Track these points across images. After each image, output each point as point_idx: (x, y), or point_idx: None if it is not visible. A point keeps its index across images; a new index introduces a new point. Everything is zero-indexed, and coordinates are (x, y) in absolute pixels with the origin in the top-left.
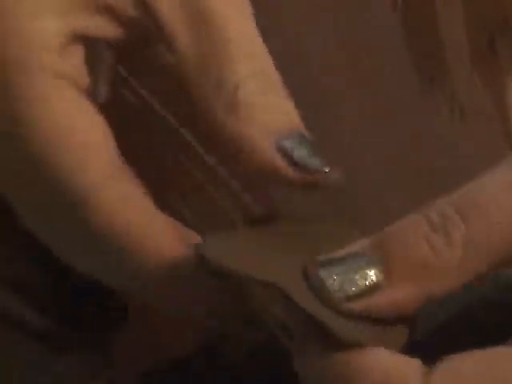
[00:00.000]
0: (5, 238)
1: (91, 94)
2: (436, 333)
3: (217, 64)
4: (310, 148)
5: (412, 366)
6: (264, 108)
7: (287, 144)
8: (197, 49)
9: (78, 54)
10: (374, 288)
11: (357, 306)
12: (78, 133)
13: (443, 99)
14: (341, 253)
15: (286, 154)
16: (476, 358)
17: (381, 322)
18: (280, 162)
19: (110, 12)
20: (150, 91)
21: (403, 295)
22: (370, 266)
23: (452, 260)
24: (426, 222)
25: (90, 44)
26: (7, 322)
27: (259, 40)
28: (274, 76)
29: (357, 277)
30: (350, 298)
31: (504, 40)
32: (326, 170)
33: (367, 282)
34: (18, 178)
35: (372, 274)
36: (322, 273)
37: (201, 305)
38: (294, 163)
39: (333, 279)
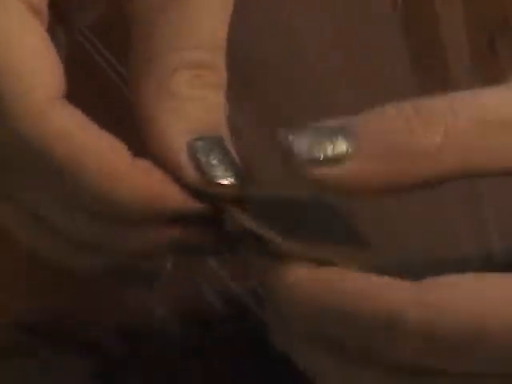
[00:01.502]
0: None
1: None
2: None
3: (165, 40)
4: (221, 156)
5: (399, 280)
6: (190, 103)
7: (199, 145)
8: (152, 15)
9: None
10: (341, 158)
11: (319, 171)
12: (30, 54)
13: None
14: (315, 124)
15: (194, 156)
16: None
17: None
18: (185, 163)
19: None
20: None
21: (370, 170)
22: (342, 136)
23: (429, 146)
24: (412, 107)
25: None
26: (7, 321)
27: (221, 28)
28: (218, 70)
29: (326, 144)
30: (314, 163)
31: (504, 40)
32: (223, 183)
33: (336, 150)
34: None
35: (342, 144)
36: (292, 136)
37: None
38: (199, 167)
39: (301, 143)
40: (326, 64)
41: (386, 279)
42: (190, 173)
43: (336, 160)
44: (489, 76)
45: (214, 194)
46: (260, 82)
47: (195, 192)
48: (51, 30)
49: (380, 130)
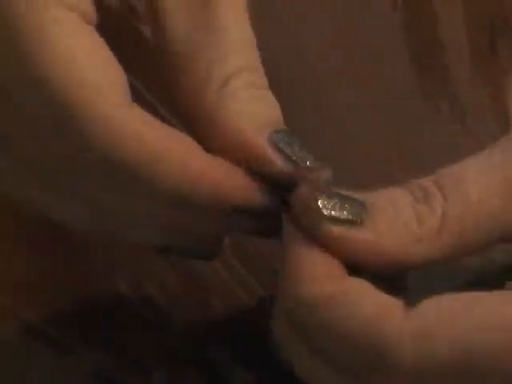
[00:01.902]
0: (6, 237)
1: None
2: None
3: (209, 53)
4: (299, 143)
5: (394, 300)
6: (254, 102)
7: (277, 138)
8: (190, 35)
9: None
10: (358, 223)
11: (336, 229)
12: (82, 53)
13: (443, 99)
14: (338, 191)
15: (277, 148)
16: (458, 297)
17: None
18: (273, 156)
19: None
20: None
21: (381, 241)
22: (362, 207)
23: (432, 228)
24: (409, 192)
25: None
26: (7, 321)
27: (251, 32)
28: (261, 71)
29: (347, 207)
30: (333, 220)
31: (504, 40)
32: (317, 166)
33: (355, 216)
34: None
35: (361, 213)
36: (320, 194)
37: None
38: (285, 157)
39: (326, 199)
40: (326, 64)
41: (389, 304)
42: (282, 165)
43: (353, 223)
44: (489, 76)
45: (307, 180)
46: None
47: (286, 184)
48: None
49: (394, 210)
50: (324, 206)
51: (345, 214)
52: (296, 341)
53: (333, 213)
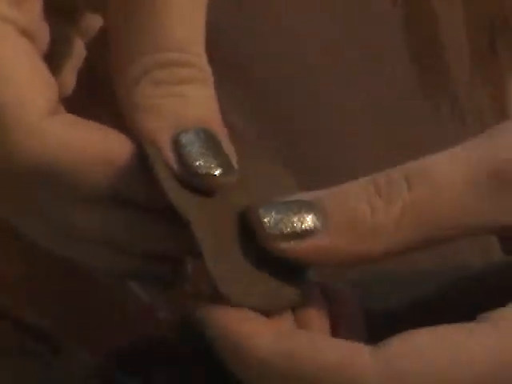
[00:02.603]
0: (5, 238)
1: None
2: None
3: (137, 45)
4: (207, 147)
5: (357, 344)
6: (167, 99)
7: (183, 139)
8: (125, 14)
9: (34, 7)
10: (309, 233)
11: (288, 245)
12: (25, 71)
13: (443, 99)
14: (283, 198)
15: (177, 150)
16: (423, 332)
17: (279, 278)
18: (168, 157)
19: None
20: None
21: (336, 244)
22: (309, 211)
23: (388, 220)
24: (373, 184)
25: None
26: (7, 321)
27: (195, 32)
28: (194, 66)
29: (294, 219)
30: (283, 237)
31: (504, 40)
32: (217, 173)
33: (303, 225)
34: None
35: (309, 219)
36: (261, 210)
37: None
38: (182, 160)
39: (270, 217)
40: (325, 64)
41: (349, 349)
42: (173, 167)
43: (303, 234)
44: (489, 76)
45: (203, 186)
46: (260, 82)
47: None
48: (64, 36)
49: (345, 209)
50: (269, 226)
51: (290, 227)
52: None
53: (277, 229)
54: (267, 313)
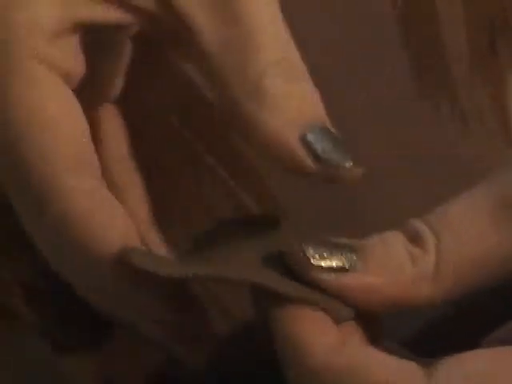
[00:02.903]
0: (6, 238)
1: (95, 86)
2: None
3: (241, 51)
4: (333, 142)
5: (411, 366)
6: (289, 97)
7: (311, 136)
8: (220, 36)
9: (73, 43)
10: (349, 269)
11: (330, 278)
12: (50, 119)
13: (443, 99)
14: (327, 240)
15: (309, 147)
16: (481, 356)
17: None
18: (303, 155)
19: (119, 1)
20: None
21: (376, 284)
22: (351, 252)
23: (427, 269)
24: (401, 232)
25: (104, 35)
26: (7, 321)
27: (284, 26)
28: (299, 64)
29: (338, 255)
30: (326, 270)
31: (504, 40)
32: (348, 166)
33: (345, 262)
34: None
35: (352, 258)
36: (306, 247)
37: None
38: (316, 157)
39: (313, 250)
40: (325, 64)
41: (406, 372)
42: (310, 164)
43: (346, 270)
44: (489, 76)
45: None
46: None
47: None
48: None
49: (386, 252)
50: (312, 257)
51: (334, 262)
52: None
53: (322, 262)
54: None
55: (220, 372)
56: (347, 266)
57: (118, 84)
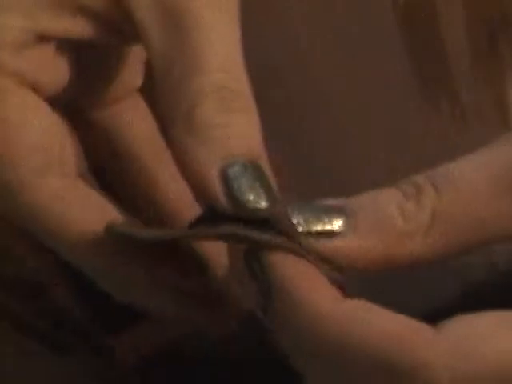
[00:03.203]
0: (6, 238)
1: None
2: None
3: (182, 70)
4: (255, 179)
5: (418, 322)
6: (217, 128)
7: (231, 172)
8: (165, 46)
9: (42, 54)
10: (338, 234)
11: (317, 244)
12: (12, 130)
13: (443, 99)
14: (313, 202)
15: (226, 183)
16: (490, 316)
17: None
18: (217, 191)
19: (82, 12)
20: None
21: (365, 246)
22: (339, 215)
23: (419, 225)
24: (400, 190)
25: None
26: (7, 321)
27: (238, 49)
28: (242, 94)
29: (325, 219)
30: (311, 235)
31: (504, 40)
32: (264, 207)
33: (333, 226)
34: None
35: (339, 221)
36: (292, 213)
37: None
38: (230, 194)
39: (300, 216)
40: (325, 64)
41: (413, 324)
42: (222, 201)
43: (332, 235)
44: (489, 76)
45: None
46: (259, 83)
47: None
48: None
49: (375, 212)
50: (298, 223)
51: (321, 227)
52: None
53: (308, 228)
54: None
55: (232, 359)
56: (335, 230)
57: (139, 72)
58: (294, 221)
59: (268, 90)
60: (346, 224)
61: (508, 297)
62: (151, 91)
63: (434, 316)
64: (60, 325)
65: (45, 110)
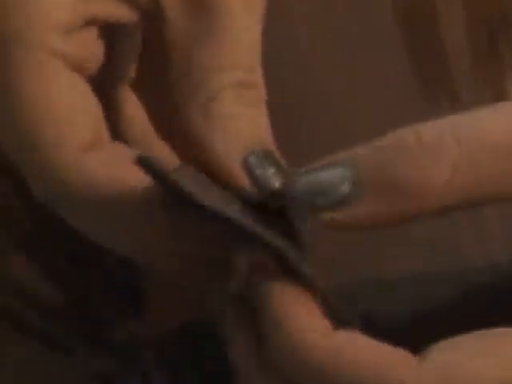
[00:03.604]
0: (6, 238)
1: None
2: (425, 323)
3: (204, 62)
4: (272, 166)
5: (403, 351)
6: (234, 121)
7: (252, 160)
8: (188, 40)
9: (87, 37)
10: (344, 200)
11: (325, 217)
12: (64, 113)
13: (443, 99)
14: (316, 165)
15: (249, 171)
16: (476, 337)
17: None
18: (242, 180)
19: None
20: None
21: (375, 211)
22: (343, 178)
23: (438, 181)
24: (416, 138)
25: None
26: (7, 322)
27: (256, 40)
28: (258, 86)
29: (329, 188)
30: (319, 210)
31: (504, 40)
32: (282, 192)
33: (338, 195)
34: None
35: (345, 187)
36: (292, 182)
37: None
38: (254, 181)
39: (304, 190)
40: (325, 64)
41: (398, 354)
42: (249, 188)
43: (339, 204)
44: (489, 76)
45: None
46: None
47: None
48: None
49: (382, 170)
50: (302, 196)
51: (327, 197)
52: None
53: (313, 202)
54: None
55: None
56: (340, 198)
57: (132, 66)
58: (300, 197)
59: (268, 90)
60: (352, 188)
61: (509, 299)
62: (144, 88)
63: (434, 319)
64: (61, 325)
65: (90, 92)
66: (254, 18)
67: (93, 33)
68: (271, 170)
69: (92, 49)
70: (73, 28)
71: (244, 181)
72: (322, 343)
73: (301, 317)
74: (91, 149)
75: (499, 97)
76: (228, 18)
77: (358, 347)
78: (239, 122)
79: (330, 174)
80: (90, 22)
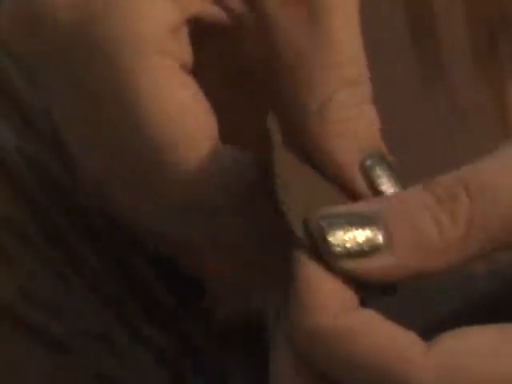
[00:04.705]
0: (5, 239)
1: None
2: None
3: (314, 62)
4: (387, 168)
5: (412, 335)
6: (351, 123)
7: (369, 163)
8: (297, 46)
9: (186, 36)
10: (373, 250)
11: (353, 265)
12: (178, 105)
13: (443, 99)
14: (344, 208)
15: (366, 174)
16: (485, 331)
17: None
18: (359, 183)
19: (221, 2)
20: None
21: (400, 264)
22: (372, 227)
23: (454, 238)
24: (431, 195)
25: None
26: (7, 321)
27: (359, 43)
28: (366, 86)
29: (358, 235)
30: (348, 256)
31: (504, 39)
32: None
33: (368, 243)
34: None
35: (374, 236)
36: (324, 224)
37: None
38: (370, 184)
39: (333, 233)
40: None
41: (408, 338)
42: (364, 191)
43: (367, 253)
44: (489, 76)
45: None
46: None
47: None
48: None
49: (409, 225)
50: (335, 242)
51: (357, 246)
52: (299, 374)
53: (345, 246)
54: None
55: None
56: (369, 247)
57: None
58: (330, 240)
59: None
60: (381, 239)
61: (510, 305)
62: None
63: (436, 324)
64: (61, 324)
65: (196, 86)
66: (354, 10)
67: (187, 32)
68: (386, 174)
69: (189, 46)
70: (177, 27)
71: (359, 181)
72: (336, 323)
73: (321, 292)
74: (195, 137)
75: (499, 97)
76: (331, 16)
77: (371, 329)
78: (356, 124)
79: (360, 219)
80: (188, 23)
